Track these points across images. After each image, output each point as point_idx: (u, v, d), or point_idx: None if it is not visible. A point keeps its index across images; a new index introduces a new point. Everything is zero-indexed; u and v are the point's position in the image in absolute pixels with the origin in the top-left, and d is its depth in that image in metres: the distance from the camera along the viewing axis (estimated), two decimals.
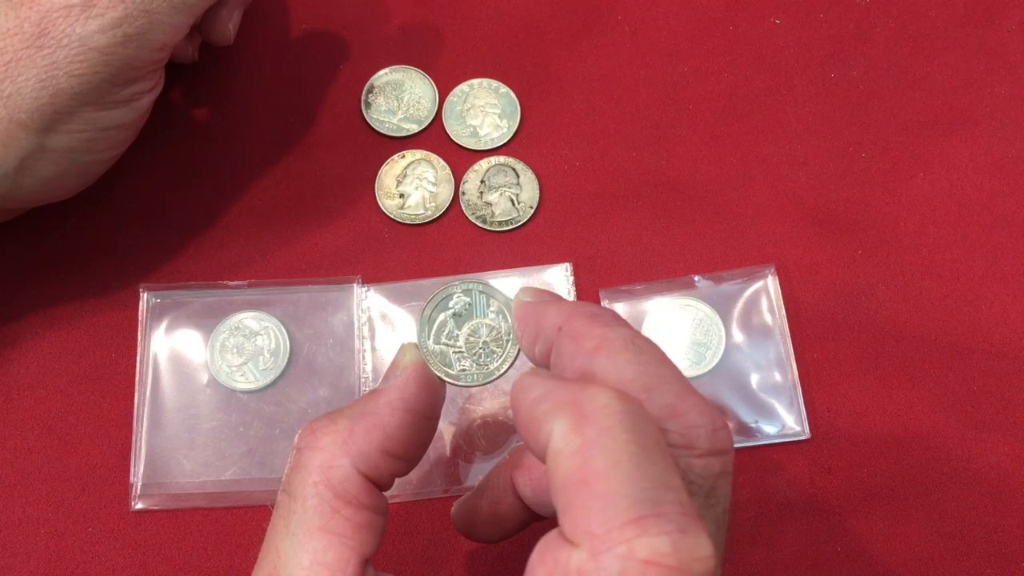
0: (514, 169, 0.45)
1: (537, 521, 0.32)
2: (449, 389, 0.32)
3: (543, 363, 0.29)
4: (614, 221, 0.44)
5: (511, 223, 0.44)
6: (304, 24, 0.49)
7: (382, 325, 0.42)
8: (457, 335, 0.32)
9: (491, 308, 0.32)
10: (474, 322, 0.32)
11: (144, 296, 0.42)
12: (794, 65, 0.47)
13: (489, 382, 0.31)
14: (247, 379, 0.41)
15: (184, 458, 0.40)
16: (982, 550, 0.38)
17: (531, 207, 0.44)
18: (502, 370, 0.31)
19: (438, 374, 0.31)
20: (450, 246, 0.44)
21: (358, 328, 0.42)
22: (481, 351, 0.31)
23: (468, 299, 0.32)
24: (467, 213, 0.44)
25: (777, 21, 0.48)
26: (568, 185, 0.45)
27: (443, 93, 0.47)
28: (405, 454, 0.29)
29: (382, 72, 0.47)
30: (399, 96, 0.47)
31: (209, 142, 0.46)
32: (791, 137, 0.46)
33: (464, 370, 0.31)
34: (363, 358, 0.41)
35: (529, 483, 0.31)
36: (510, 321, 0.31)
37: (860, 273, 0.43)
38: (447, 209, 0.44)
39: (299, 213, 0.44)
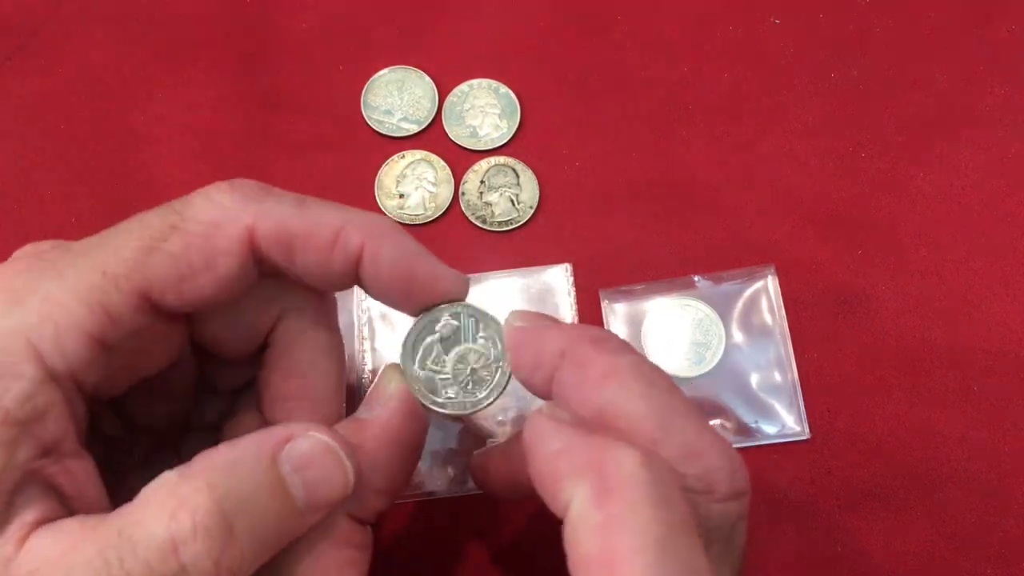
0: (514, 169, 0.45)
1: None
2: None
3: (543, 392, 0.28)
4: (614, 221, 0.44)
5: (511, 223, 0.44)
6: (304, 24, 0.49)
7: (382, 325, 0.42)
8: (444, 360, 0.30)
9: (480, 333, 0.30)
10: (462, 348, 0.30)
11: None
12: (794, 65, 0.47)
13: (476, 411, 0.30)
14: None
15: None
16: (982, 550, 0.38)
17: (531, 207, 0.44)
18: (490, 399, 0.30)
19: (423, 402, 0.29)
20: (450, 246, 0.44)
21: (358, 328, 0.42)
22: (469, 379, 0.30)
23: (456, 323, 0.30)
24: (467, 213, 0.44)
25: (777, 21, 0.48)
26: (568, 185, 0.45)
27: (443, 93, 0.47)
28: (390, 488, 0.28)
29: (382, 72, 0.47)
30: (399, 96, 0.47)
31: (209, 142, 0.46)
32: (791, 137, 0.46)
33: (451, 398, 0.30)
34: (363, 358, 0.41)
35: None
36: (500, 347, 0.30)
37: (860, 273, 0.43)
38: (447, 209, 0.44)
39: None
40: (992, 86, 0.46)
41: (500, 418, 0.40)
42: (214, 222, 0.26)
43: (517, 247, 0.44)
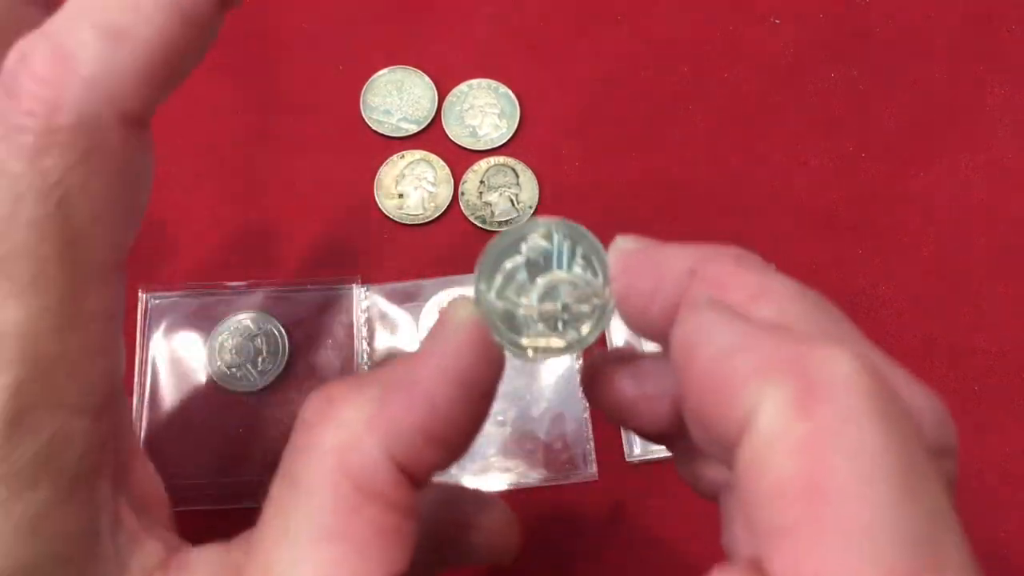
0: (513, 169, 0.45)
1: (680, 448, 0.24)
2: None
3: (659, 329, 0.21)
4: (614, 221, 0.44)
5: (511, 223, 0.44)
6: (303, 24, 0.49)
7: (382, 326, 0.42)
8: (530, 290, 0.23)
9: (578, 257, 0.24)
10: (552, 276, 0.23)
11: (143, 297, 0.42)
12: (794, 65, 0.47)
13: (567, 354, 0.24)
14: (246, 380, 0.41)
15: (182, 459, 0.40)
16: (982, 550, 0.38)
17: (531, 207, 0.44)
18: (588, 340, 0.23)
19: (500, 341, 0.23)
20: (450, 246, 0.44)
21: (358, 329, 0.42)
22: (559, 317, 0.23)
23: (546, 244, 0.24)
24: (466, 213, 0.44)
25: (777, 21, 0.48)
26: (568, 185, 0.45)
27: (442, 93, 0.47)
28: (451, 441, 0.21)
29: (381, 72, 0.47)
30: (398, 96, 0.47)
31: (209, 142, 0.46)
32: (791, 137, 0.46)
33: (537, 338, 0.23)
34: (362, 359, 0.41)
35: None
36: (602, 278, 0.23)
37: (860, 273, 0.43)
38: (446, 209, 0.44)
39: (298, 213, 0.44)
40: (992, 86, 0.46)
41: (500, 418, 0.40)
42: (79, 157, 0.21)
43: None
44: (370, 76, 0.47)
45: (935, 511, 0.15)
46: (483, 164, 0.45)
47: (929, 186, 0.44)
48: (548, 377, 0.40)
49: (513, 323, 0.23)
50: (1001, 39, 0.47)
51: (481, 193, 0.44)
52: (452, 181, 0.45)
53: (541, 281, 0.23)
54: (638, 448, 0.39)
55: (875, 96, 0.46)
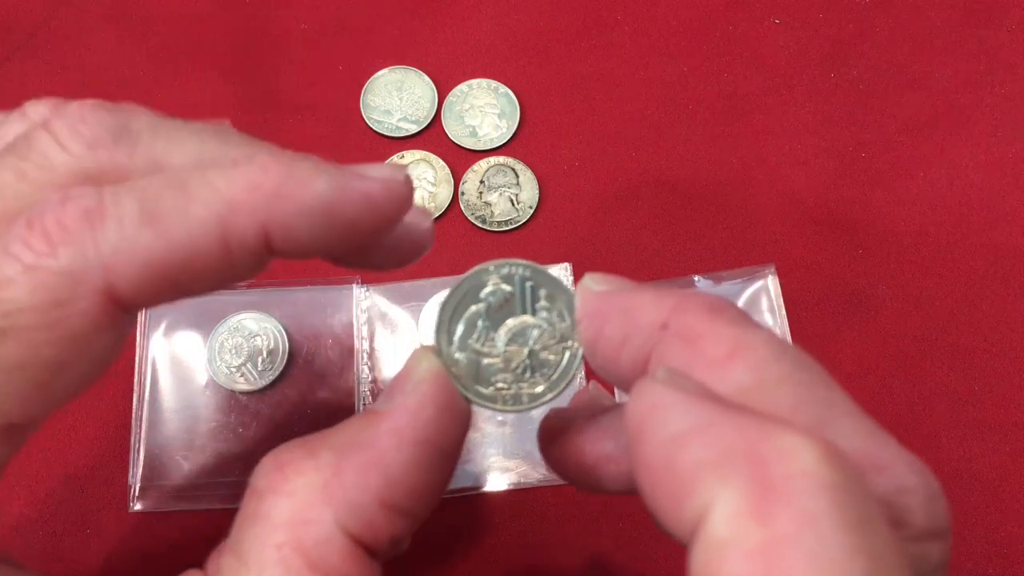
0: (513, 169, 0.45)
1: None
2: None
3: (631, 378, 0.20)
4: (614, 221, 0.44)
5: (511, 223, 0.44)
6: (304, 24, 0.49)
7: (381, 326, 0.42)
8: (493, 339, 0.22)
9: (542, 303, 0.22)
10: (517, 322, 0.22)
11: None
12: (794, 65, 0.47)
13: (538, 406, 0.22)
14: (246, 380, 0.41)
15: (183, 459, 0.40)
16: (983, 550, 0.38)
17: (531, 207, 0.44)
18: (555, 390, 0.22)
19: (466, 393, 0.21)
20: (450, 246, 0.44)
21: (357, 328, 0.42)
22: (526, 364, 0.22)
23: (508, 288, 0.22)
24: (466, 213, 0.44)
25: (777, 21, 0.48)
26: (568, 185, 0.45)
27: (442, 93, 0.47)
28: (413, 508, 0.19)
29: (381, 72, 0.47)
30: (398, 96, 0.47)
31: None
32: (791, 137, 0.46)
33: (503, 389, 0.22)
34: (362, 359, 0.41)
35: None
36: (569, 321, 0.22)
37: (860, 273, 0.43)
38: (446, 209, 0.44)
39: None
40: (992, 86, 0.46)
41: (500, 418, 0.40)
42: (53, 303, 0.18)
43: (517, 247, 0.44)
44: (370, 76, 0.47)
45: None
46: (483, 164, 0.45)
47: (929, 186, 0.44)
48: None
49: (477, 374, 0.22)
50: (1001, 39, 0.47)
51: (481, 193, 0.44)
52: (452, 181, 0.45)
53: (508, 325, 0.22)
54: None
55: (875, 96, 0.46)
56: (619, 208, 0.44)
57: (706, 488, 0.15)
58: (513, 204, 0.44)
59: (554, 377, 0.22)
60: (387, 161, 0.45)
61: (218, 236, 0.19)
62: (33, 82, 0.48)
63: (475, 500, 0.39)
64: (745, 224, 0.44)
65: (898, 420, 0.40)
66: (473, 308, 0.22)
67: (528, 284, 0.22)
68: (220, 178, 0.19)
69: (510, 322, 0.22)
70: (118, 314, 0.19)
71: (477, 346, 0.22)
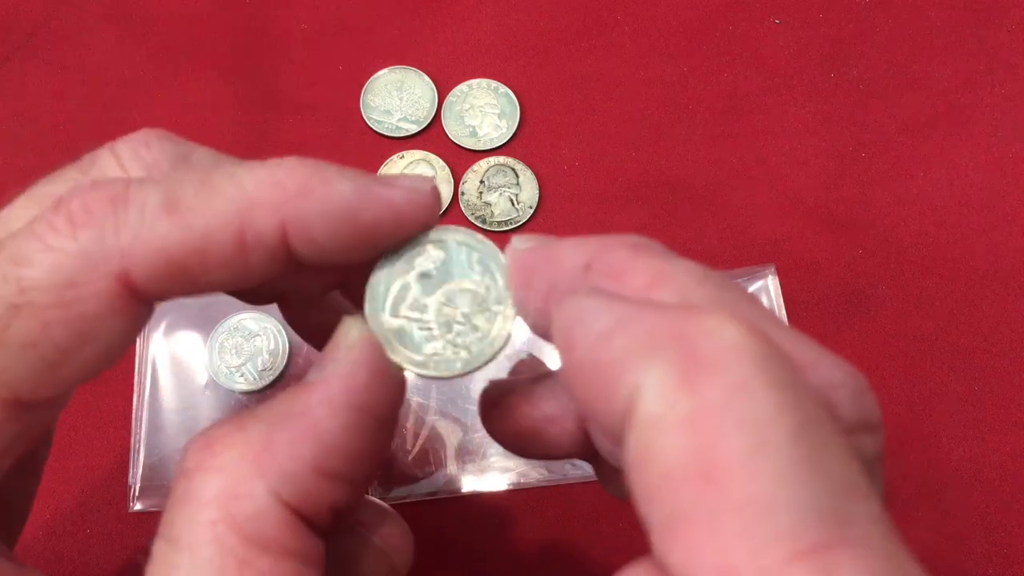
0: (513, 169, 0.45)
1: (592, 461, 0.22)
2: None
3: None
4: (614, 221, 0.44)
5: (511, 223, 0.44)
6: (304, 24, 0.49)
7: None
8: (425, 305, 0.22)
9: (475, 267, 0.22)
10: (450, 286, 0.22)
11: None
12: (794, 65, 0.47)
13: (471, 371, 0.21)
14: (246, 380, 0.41)
15: None
16: (983, 551, 0.38)
17: (531, 207, 0.44)
18: (488, 355, 0.21)
19: (397, 360, 0.21)
20: None
21: None
22: (461, 327, 0.21)
23: (442, 254, 0.22)
24: (466, 213, 0.44)
25: (777, 21, 0.48)
26: (568, 185, 0.45)
27: (442, 93, 0.47)
28: (350, 474, 0.19)
29: (381, 72, 0.47)
30: (398, 96, 0.47)
31: (208, 142, 0.46)
32: (791, 137, 0.46)
33: (436, 354, 0.21)
34: None
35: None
36: (501, 284, 0.22)
37: (860, 273, 0.43)
38: (446, 209, 0.44)
39: None
40: (992, 86, 0.46)
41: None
42: (67, 283, 0.18)
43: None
44: (370, 76, 0.47)
45: (842, 480, 0.14)
46: (483, 164, 0.45)
47: (929, 185, 0.44)
48: None
49: (410, 341, 0.21)
50: (1001, 39, 0.47)
51: (481, 193, 0.44)
52: (452, 181, 0.45)
53: (440, 290, 0.22)
54: None
55: (875, 96, 0.46)
56: (619, 208, 0.44)
57: (634, 371, 0.15)
58: (513, 204, 0.44)
59: (486, 341, 0.21)
60: (387, 161, 0.45)
61: (235, 229, 0.19)
62: (33, 82, 0.48)
63: (475, 500, 0.39)
64: (745, 224, 0.44)
65: (898, 420, 0.40)
66: (404, 278, 0.22)
67: (461, 249, 0.22)
68: (245, 174, 0.19)
69: (443, 288, 0.22)
70: (132, 302, 0.19)
71: (408, 312, 0.22)
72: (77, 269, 0.18)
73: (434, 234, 0.22)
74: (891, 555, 0.13)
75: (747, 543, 0.13)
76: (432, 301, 0.22)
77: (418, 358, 0.21)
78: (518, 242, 0.21)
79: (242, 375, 0.41)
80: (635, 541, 0.38)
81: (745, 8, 0.48)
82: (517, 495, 0.39)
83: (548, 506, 0.39)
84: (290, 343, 0.41)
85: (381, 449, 0.20)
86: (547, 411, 0.21)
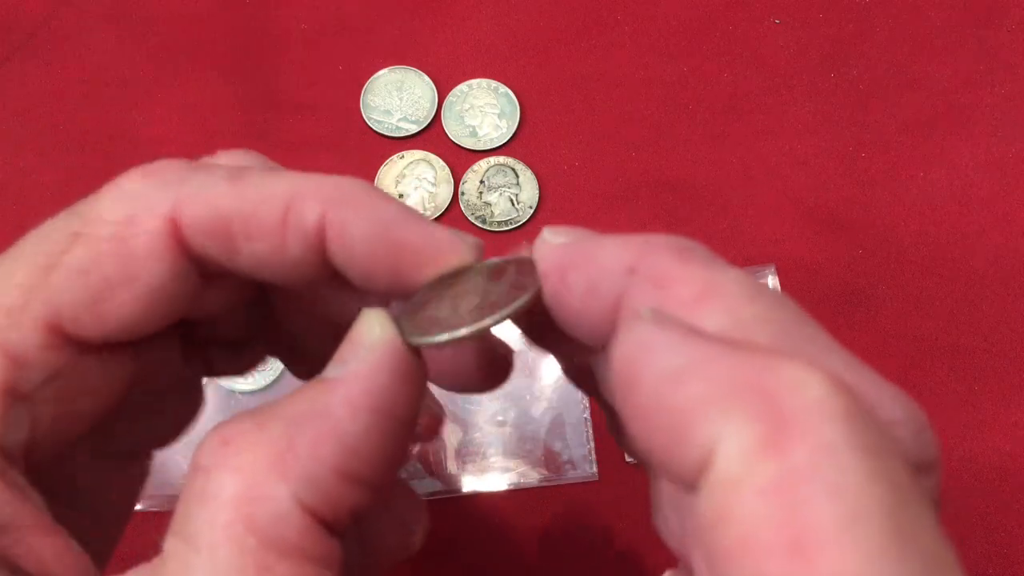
0: (513, 169, 0.45)
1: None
2: None
3: (599, 329, 0.19)
4: (614, 221, 0.44)
5: (511, 223, 0.44)
6: (304, 24, 0.49)
7: None
8: (449, 296, 0.20)
9: (511, 276, 0.21)
10: (474, 283, 0.20)
11: None
12: (794, 65, 0.47)
13: (475, 331, 0.19)
14: (246, 380, 0.41)
15: (183, 459, 0.39)
16: (983, 551, 0.38)
17: (531, 207, 0.44)
18: (498, 316, 0.19)
19: (413, 340, 0.19)
20: None
21: None
22: (476, 306, 0.20)
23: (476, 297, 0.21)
24: (466, 213, 0.44)
25: (777, 21, 0.48)
26: (568, 185, 0.45)
27: (442, 93, 0.47)
28: (371, 477, 0.18)
29: (381, 72, 0.47)
30: (398, 96, 0.47)
31: (208, 142, 0.46)
32: (791, 137, 0.46)
33: (439, 317, 0.19)
34: None
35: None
36: (533, 280, 0.20)
37: (860, 273, 0.43)
38: (446, 209, 0.44)
39: None
40: (992, 85, 0.46)
41: (500, 418, 0.40)
42: (126, 219, 0.20)
43: (517, 247, 0.44)
44: (370, 76, 0.47)
45: (934, 557, 0.13)
46: (483, 164, 0.45)
47: (929, 186, 0.44)
48: (548, 377, 0.41)
49: (425, 325, 0.20)
50: (1001, 39, 0.47)
51: (481, 193, 0.44)
52: (452, 181, 0.45)
53: (463, 288, 0.20)
54: None
55: (875, 96, 0.46)
56: (619, 208, 0.44)
57: (710, 425, 0.14)
58: (513, 204, 0.44)
59: (504, 310, 0.19)
60: (387, 161, 0.45)
61: (282, 204, 0.20)
62: (33, 82, 0.48)
63: (475, 500, 0.39)
64: (745, 224, 0.44)
65: None
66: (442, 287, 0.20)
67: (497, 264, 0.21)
68: (302, 176, 0.21)
69: (466, 285, 0.20)
70: (177, 251, 0.20)
71: (431, 310, 0.20)
72: (136, 208, 0.20)
73: (467, 271, 0.20)
74: None
75: None
76: (451, 294, 0.20)
77: (436, 338, 0.19)
78: (550, 235, 0.20)
79: (243, 375, 0.41)
80: (634, 541, 0.38)
81: (745, 8, 0.48)
82: (517, 495, 0.39)
83: (548, 506, 0.39)
84: None
85: (402, 451, 0.19)
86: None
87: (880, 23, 0.48)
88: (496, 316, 0.19)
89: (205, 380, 0.41)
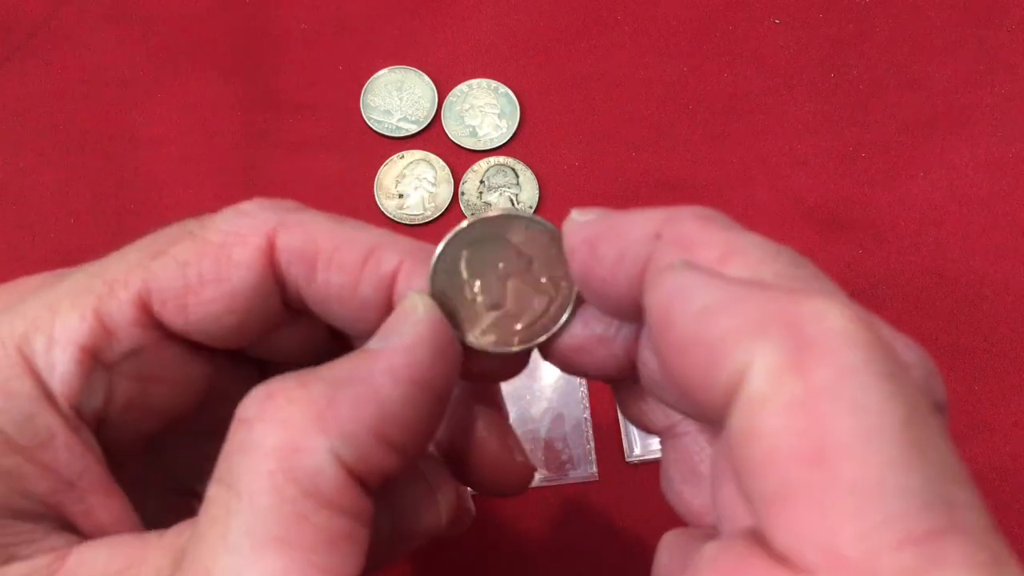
0: (513, 169, 0.45)
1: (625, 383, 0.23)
2: None
3: (626, 302, 0.20)
4: None
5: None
6: (304, 24, 0.49)
7: None
8: (490, 285, 0.22)
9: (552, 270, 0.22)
10: (519, 280, 0.23)
11: None
12: (794, 65, 0.47)
13: (531, 346, 0.22)
14: None
15: None
16: None
17: (531, 207, 0.44)
18: (552, 329, 0.22)
19: (463, 336, 0.22)
20: None
21: None
22: (509, 311, 0.22)
23: (530, 255, 0.23)
24: (466, 213, 0.44)
25: (777, 21, 0.48)
26: (568, 185, 0.45)
27: (442, 93, 0.47)
28: (404, 443, 0.20)
29: (381, 72, 0.47)
30: (398, 96, 0.47)
31: (208, 142, 0.46)
32: (791, 137, 0.46)
33: (488, 332, 0.22)
34: None
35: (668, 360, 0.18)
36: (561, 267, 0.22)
37: (860, 273, 0.43)
38: (446, 209, 0.44)
39: None
40: (992, 85, 0.46)
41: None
42: (233, 230, 0.22)
43: None
44: (370, 76, 0.47)
45: (946, 466, 0.14)
46: (483, 164, 0.45)
47: (929, 186, 0.44)
48: (548, 377, 0.41)
49: (466, 315, 0.22)
50: (1001, 39, 0.47)
51: (481, 193, 0.44)
52: (452, 181, 0.45)
53: (509, 281, 0.23)
54: (638, 448, 0.39)
55: (875, 96, 0.46)
56: (619, 208, 0.44)
57: (742, 350, 0.15)
58: (513, 204, 0.44)
59: (543, 321, 0.22)
60: (387, 161, 0.45)
61: (365, 249, 0.22)
62: (33, 82, 0.48)
63: (475, 500, 0.39)
64: (745, 224, 0.44)
65: None
66: (483, 257, 0.23)
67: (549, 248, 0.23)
68: (391, 233, 0.23)
69: (512, 280, 0.23)
70: (265, 262, 0.21)
71: (474, 292, 0.22)
72: (246, 223, 0.22)
73: (533, 225, 0.23)
74: (992, 545, 0.14)
75: (856, 525, 0.13)
76: (497, 284, 0.23)
77: (478, 340, 0.22)
78: (579, 215, 0.22)
79: None
80: (634, 541, 0.38)
81: (745, 8, 0.48)
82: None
83: (548, 506, 0.39)
84: None
85: (435, 422, 0.21)
86: (598, 331, 0.22)
87: (880, 23, 0.48)
88: (544, 337, 0.22)
89: None
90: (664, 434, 0.23)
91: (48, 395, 0.20)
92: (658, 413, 0.23)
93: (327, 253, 0.21)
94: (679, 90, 0.47)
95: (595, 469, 0.39)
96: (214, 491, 0.18)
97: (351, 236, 0.22)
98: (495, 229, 0.23)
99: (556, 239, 0.22)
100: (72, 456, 0.20)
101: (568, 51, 0.48)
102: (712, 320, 0.16)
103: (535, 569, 0.38)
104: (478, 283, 0.22)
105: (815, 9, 0.48)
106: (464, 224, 0.22)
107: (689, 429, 0.22)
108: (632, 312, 0.20)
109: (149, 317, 0.21)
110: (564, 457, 0.39)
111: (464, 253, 0.22)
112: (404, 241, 0.22)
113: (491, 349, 0.22)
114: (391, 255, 0.22)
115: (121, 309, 0.21)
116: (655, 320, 0.17)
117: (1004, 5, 0.48)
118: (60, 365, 0.20)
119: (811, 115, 0.46)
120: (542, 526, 0.38)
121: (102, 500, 0.21)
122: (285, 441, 0.18)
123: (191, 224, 0.22)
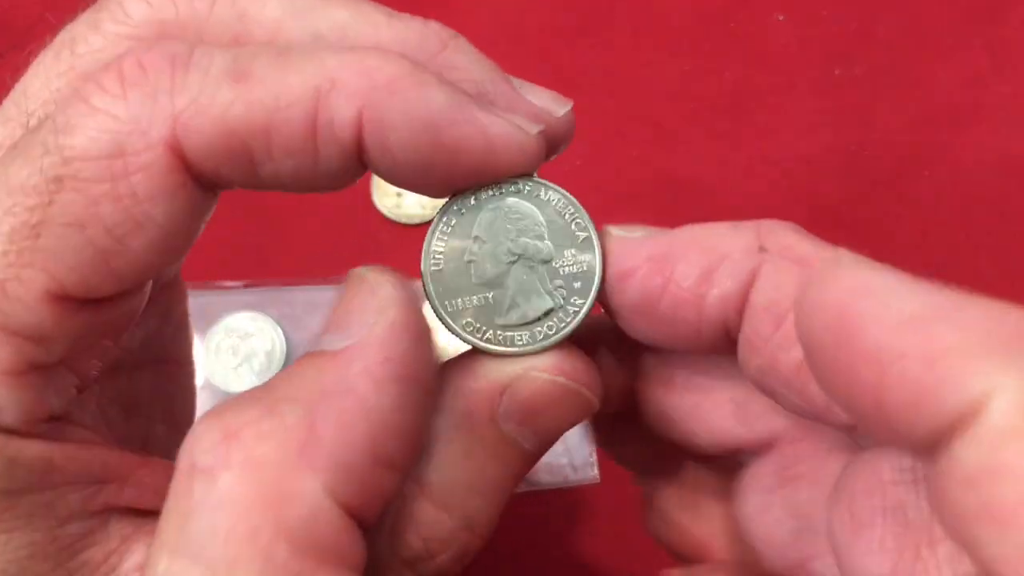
0: None
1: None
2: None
3: (713, 322, 0.17)
4: (614, 221, 0.44)
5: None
6: None
7: None
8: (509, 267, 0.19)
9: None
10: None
11: None
12: (797, 62, 0.47)
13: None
14: (242, 381, 0.40)
15: None
16: None
17: None
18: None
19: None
20: None
21: None
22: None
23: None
24: None
25: (780, 18, 0.48)
26: (568, 185, 0.44)
27: None
28: (403, 458, 0.16)
29: None
30: None
31: None
32: (794, 135, 0.45)
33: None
34: None
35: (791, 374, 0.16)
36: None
37: None
38: None
39: (295, 213, 0.44)
40: (996, 84, 0.46)
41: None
42: (114, 151, 0.16)
43: None
44: None
45: None
46: None
47: (931, 185, 0.44)
48: None
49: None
50: (1004, 37, 0.47)
51: None
52: None
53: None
54: None
55: (878, 94, 0.46)
56: (620, 207, 0.44)
57: (980, 376, 0.12)
58: None
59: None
60: None
61: (308, 108, 0.16)
62: None
63: None
64: None
65: None
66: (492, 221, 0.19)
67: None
68: (330, 55, 0.16)
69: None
70: (188, 181, 0.16)
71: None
72: (125, 135, 0.16)
73: (509, 186, 0.19)
74: None
75: None
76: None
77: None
78: (626, 231, 0.19)
79: (238, 376, 0.40)
80: (636, 545, 0.38)
81: (748, 5, 0.48)
82: (519, 499, 0.39)
83: (550, 510, 0.38)
84: (287, 344, 0.41)
85: (425, 422, 0.17)
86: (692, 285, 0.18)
87: (884, 20, 0.48)
88: (555, 338, 0.18)
89: (201, 383, 0.41)
90: (651, 476, 0.21)
91: (8, 432, 0.16)
92: (632, 452, 0.21)
93: (259, 137, 0.16)
94: (682, 88, 0.46)
95: (597, 472, 0.39)
96: (166, 566, 0.14)
97: (277, 98, 0.16)
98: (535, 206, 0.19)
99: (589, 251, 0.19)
100: (86, 461, 0.18)
101: (568, 51, 0.47)
102: (927, 333, 0.13)
103: (537, 572, 0.38)
104: (480, 247, 0.19)
105: (818, 6, 0.48)
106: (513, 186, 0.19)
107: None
108: (713, 339, 0.17)
109: (72, 303, 0.17)
110: (566, 460, 0.39)
111: (487, 215, 0.19)
112: (351, 70, 0.16)
113: (461, 334, 0.18)
114: (343, 105, 0.16)
115: (35, 314, 0.16)
116: (826, 325, 0.14)
117: (1009, 3, 0.48)
118: (3, 402, 0.16)
119: (814, 113, 0.46)
120: (544, 530, 0.38)
121: (138, 477, 0.18)
122: (266, 489, 0.14)
123: (43, 156, 0.16)
